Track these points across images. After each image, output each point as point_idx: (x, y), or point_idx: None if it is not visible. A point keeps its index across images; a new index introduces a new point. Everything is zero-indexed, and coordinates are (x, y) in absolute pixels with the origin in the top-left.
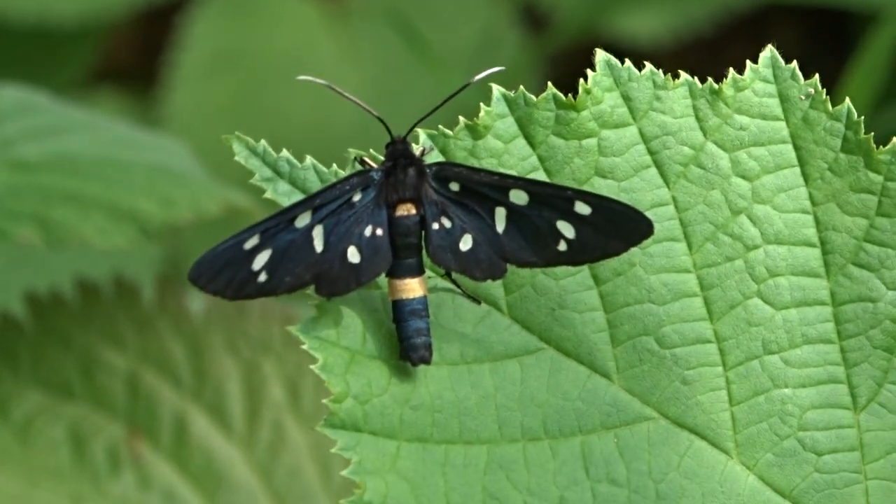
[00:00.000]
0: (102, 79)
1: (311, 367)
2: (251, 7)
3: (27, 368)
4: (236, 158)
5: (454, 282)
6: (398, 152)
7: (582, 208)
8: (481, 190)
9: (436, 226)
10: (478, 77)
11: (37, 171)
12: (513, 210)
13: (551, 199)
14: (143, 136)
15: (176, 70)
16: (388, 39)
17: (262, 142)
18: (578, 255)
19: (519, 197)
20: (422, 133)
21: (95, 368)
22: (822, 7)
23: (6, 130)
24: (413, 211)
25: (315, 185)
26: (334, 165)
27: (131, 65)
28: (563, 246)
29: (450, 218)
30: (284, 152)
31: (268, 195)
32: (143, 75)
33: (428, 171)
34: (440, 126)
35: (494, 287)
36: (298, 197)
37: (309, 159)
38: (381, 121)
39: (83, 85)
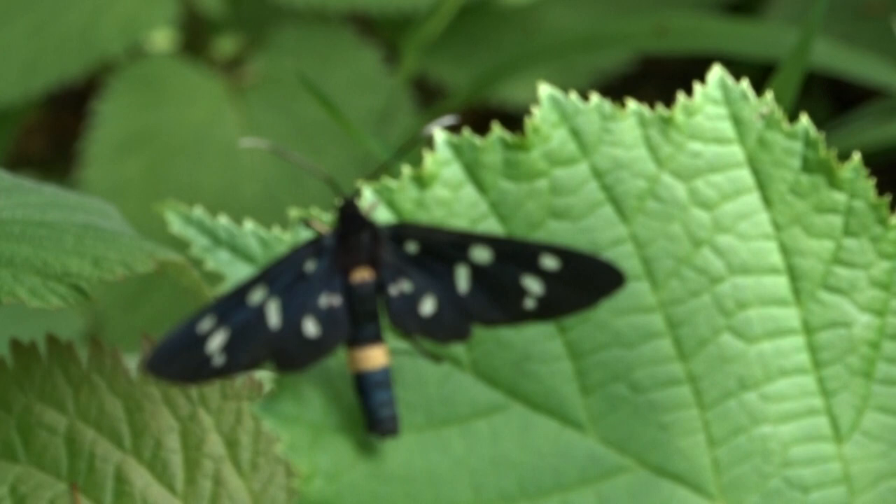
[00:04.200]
0: (14, 167)
1: (275, 450)
2: (158, 86)
3: None
4: (171, 230)
5: (413, 342)
6: (349, 214)
7: (549, 262)
8: (441, 249)
9: (395, 290)
10: (430, 126)
11: None
12: (476, 268)
13: (516, 254)
14: (71, 196)
15: (87, 149)
16: (284, 114)
17: (197, 208)
18: (547, 311)
19: (481, 254)
20: (366, 189)
21: (36, 429)
22: (700, 60)
23: None
24: (370, 276)
25: (256, 251)
26: (276, 229)
27: (43, 152)
28: (530, 303)
29: (409, 280)
30: (222, 218)
31: (209, 267)
32: (55, 162)
33: (384, 232)
34: (384, 178)
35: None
36: (240, 265)
37: (249, 224)
38: (330, 181)
39: None
